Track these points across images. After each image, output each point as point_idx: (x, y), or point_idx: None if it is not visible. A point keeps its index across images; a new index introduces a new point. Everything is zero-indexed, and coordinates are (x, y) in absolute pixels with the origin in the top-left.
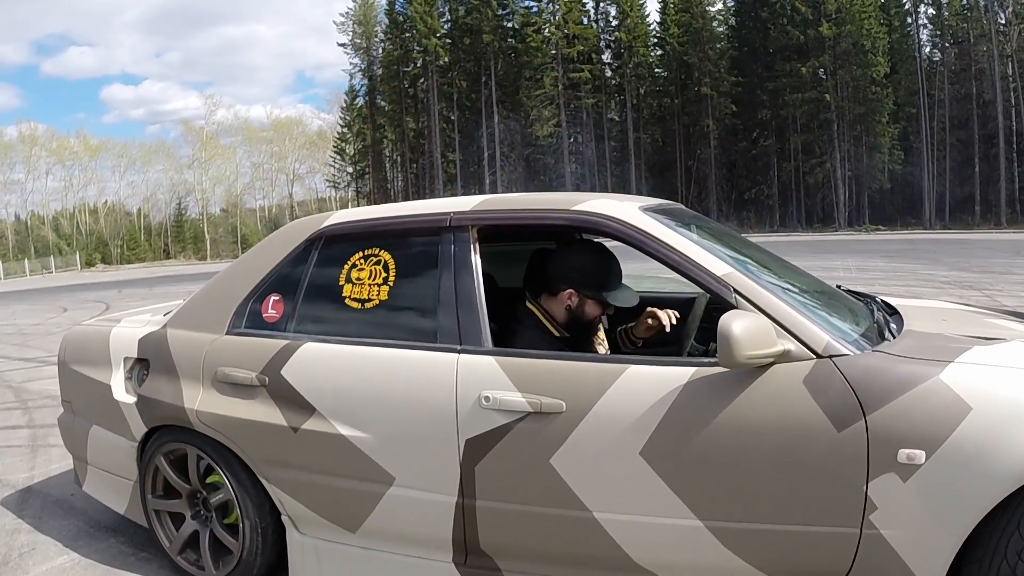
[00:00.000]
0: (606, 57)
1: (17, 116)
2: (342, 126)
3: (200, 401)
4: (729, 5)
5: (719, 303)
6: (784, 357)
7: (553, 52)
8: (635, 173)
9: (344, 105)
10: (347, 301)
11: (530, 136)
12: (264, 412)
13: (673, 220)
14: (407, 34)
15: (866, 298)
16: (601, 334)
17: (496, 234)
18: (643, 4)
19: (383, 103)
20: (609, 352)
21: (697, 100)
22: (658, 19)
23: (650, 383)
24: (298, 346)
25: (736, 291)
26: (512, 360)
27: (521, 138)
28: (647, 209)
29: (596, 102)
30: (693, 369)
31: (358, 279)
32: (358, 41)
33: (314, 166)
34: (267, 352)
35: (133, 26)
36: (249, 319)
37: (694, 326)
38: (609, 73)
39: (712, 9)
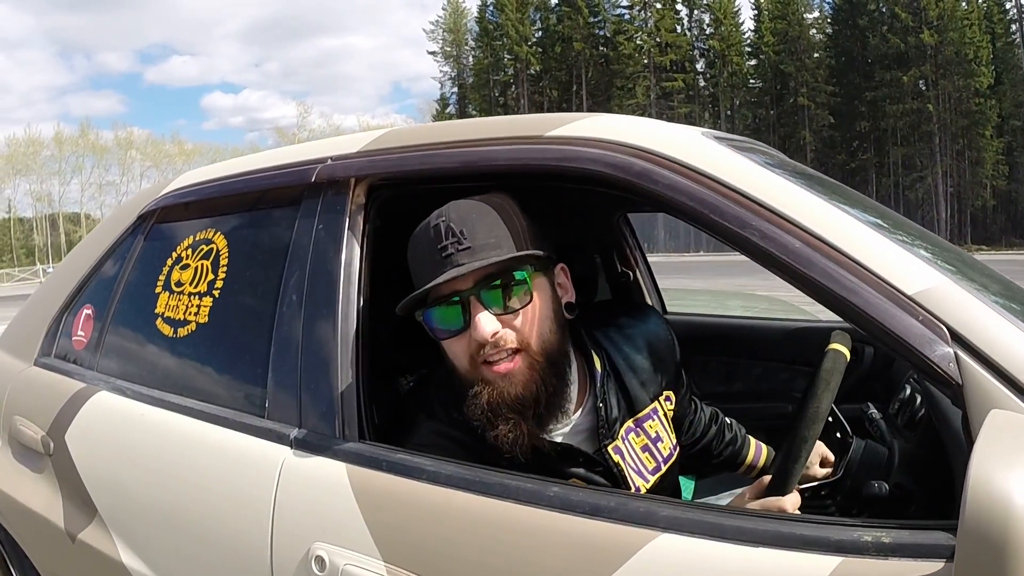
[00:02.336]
0: (700, 66)
1: (120, 121)
2: None
3: None
4: (826, 12)
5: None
6: None
7: (645, 61)
8: None
9: (435, 114)
10: (158, 323)
11: None
12: (45, 499)
13: (779, 168)
14: (498, 42)
15: None
16: (658, 425)
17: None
18: (737, 11)
19: (473, 111)
20: (663, 469)
21: (793, 111)
22: (752, 27)
23: None
24: (90, 395)
25: (967, 346)
26: (385, 481)
27: None
28: (721, 140)
29: (689, 112)
30: (837, 561)
31: (178, 284)
32: (448, 49)
33: None
34: (58, 399)
35: (233, 37)
36: (60, 341)
37: (823, 397)
38: (703, 83)
39: (809, 16)
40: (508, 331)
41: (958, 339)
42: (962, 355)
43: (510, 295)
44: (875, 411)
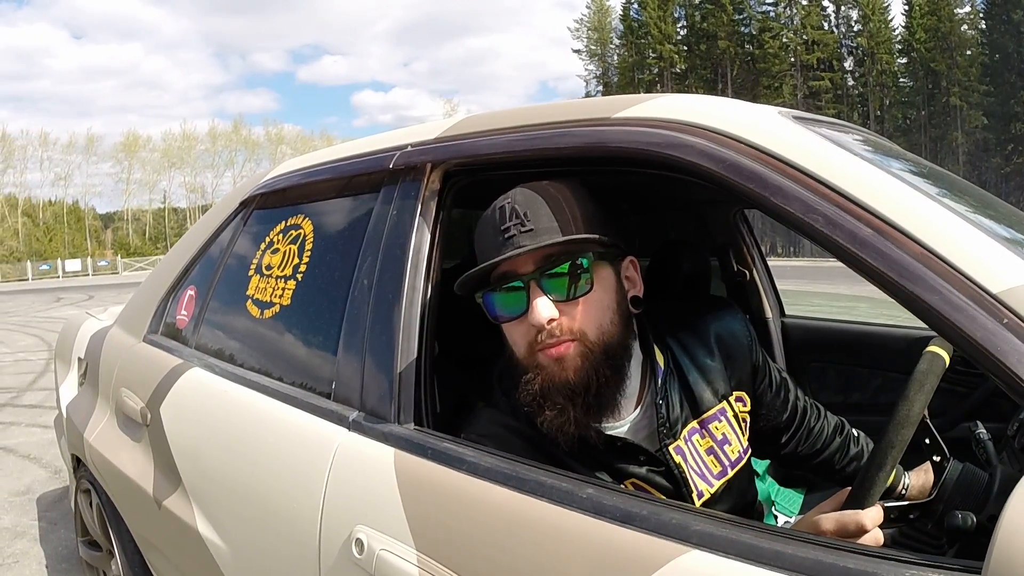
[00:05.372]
0: (847, 64)
1: (273, 118)
2: None
3: (99, 432)
4: (978, 7)
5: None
6: None
7: (791, 59)
8: None
9: None
10: (248, 304)
11: None
12: (140, 467)
13: (861, 148)
14: (642, 40)
15: None
16: (725, 426)
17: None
18: (886, 7)
19: None
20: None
21: (945, 111)
22: (902, 23)
23: None
24: (184, 371)
25: None
26: (427, 469)
27: None
28: (803, 120)
29: (837, 113)
30: None
31: (268, 268)
32: (593, 47)
33: None
34: (158, 373)
35: (383, 37)
36: (166, 320)
37: (916, 400)
38: (851, 82)
39: (960, 11)
40: (564, 319)
41: None
42: None
43: (571, 282)
44: (983, 431)
